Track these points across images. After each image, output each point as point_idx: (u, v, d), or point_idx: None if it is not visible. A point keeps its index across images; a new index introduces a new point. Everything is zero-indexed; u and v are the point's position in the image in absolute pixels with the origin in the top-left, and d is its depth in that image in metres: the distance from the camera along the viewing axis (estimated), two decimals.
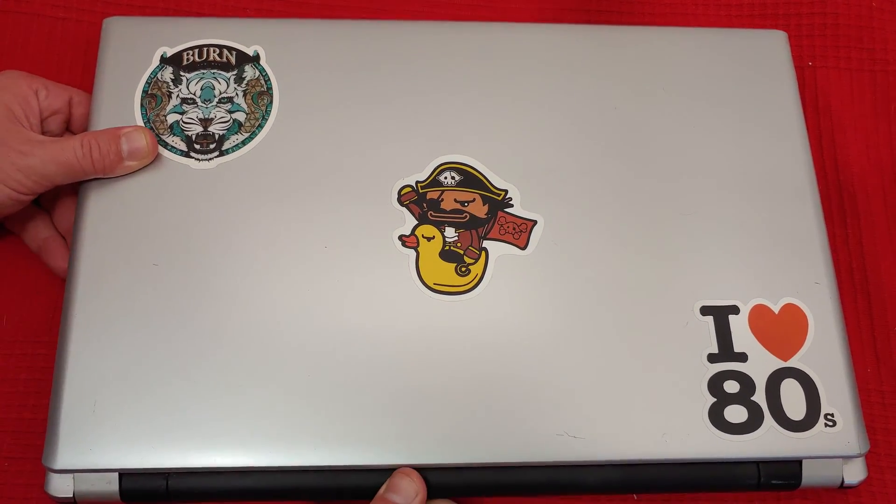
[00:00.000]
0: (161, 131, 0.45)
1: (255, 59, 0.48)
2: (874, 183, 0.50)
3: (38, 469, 0.42)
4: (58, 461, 0.39)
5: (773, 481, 0.42)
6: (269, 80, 0.47)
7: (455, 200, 0.45)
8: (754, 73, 0.50)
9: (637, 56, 0.49)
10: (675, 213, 0.46)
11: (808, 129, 0.48)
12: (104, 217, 0.44)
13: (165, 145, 0.45)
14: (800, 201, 0.47)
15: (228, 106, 0.46)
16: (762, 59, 0.50)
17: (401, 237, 0.44)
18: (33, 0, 0.52)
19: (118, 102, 0.46)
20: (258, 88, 0.47)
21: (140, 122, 0.46)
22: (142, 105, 0.46)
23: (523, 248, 0.44)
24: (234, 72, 0.47)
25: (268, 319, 0.42)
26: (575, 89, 0.48)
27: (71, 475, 0.40)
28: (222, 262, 0.43)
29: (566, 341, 0.43)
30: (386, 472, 0.41)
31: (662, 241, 0.45)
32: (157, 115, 0.46)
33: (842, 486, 0.43)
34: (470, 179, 0.46)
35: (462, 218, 0.45)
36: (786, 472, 0.42)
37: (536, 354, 0.42)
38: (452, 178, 0.46)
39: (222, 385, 0.41)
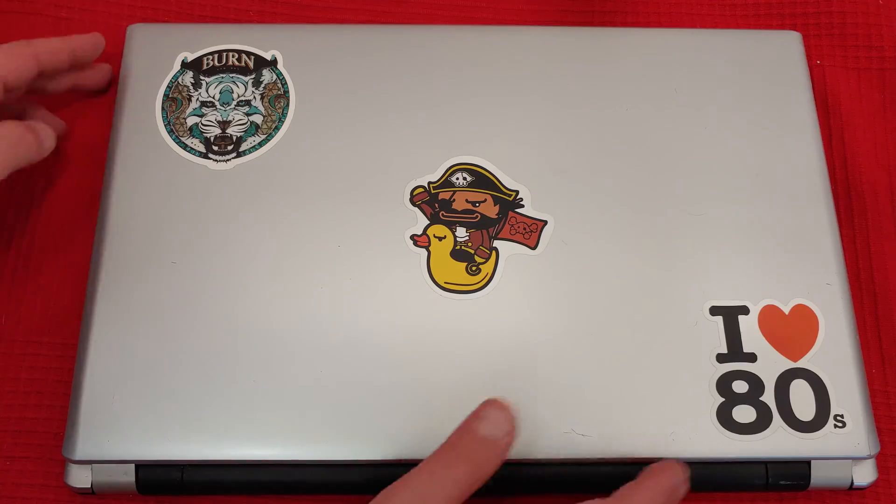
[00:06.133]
0: (181, 133, 0.47)
1: (273, 64, 0.49)
2: (882, 182, 0.50)
3: (39, 469, 0.43)
4: (77, 452, 0.41)
5: (782, 482, 0.42)
6: (285, 83, 0.48)
7: (466, 201, 0.46)
8: (767, 74, 0.50)
9: (649, 58, 0.50)
10: (685, 213, 0.46)
11: None
12: (125, 215, 0.45)
13: (185, 147, 0.46)
14: (812, 202, 0.47)
15: (246, 109, 0.48)
16: (776, 61, 0.50)
17: (412, 236, 0.45)
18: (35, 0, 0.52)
19: (140, 106, 0.47)
20: (275, 92, 0.48)
21: (161, 125, 0.47)
22: (163, 108, 0.47)
23: (533, 247, 0.45)
24: (253, 76, 0.48)
25: (282, 316, 0.43)
26: (586, 91, 0.49)
27: (89, 466, 0.41)
28: (238, 260, 0.44)
29: (574, 339, 0.43)
30: (397, 467, 0.42)
31: (673, 241, 0.46)
32: (178, 118, 0.47)
33: (851, 488, 0.43)
34: (481, 180, 0.46)
35: (473, 218, 0.46)
36: (794, 472, 0.42)
37: (545, 352, 0.43)
38: (464, 178, 0.46)
39: (237, 379, 0.42)
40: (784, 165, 0.48)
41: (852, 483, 0.42)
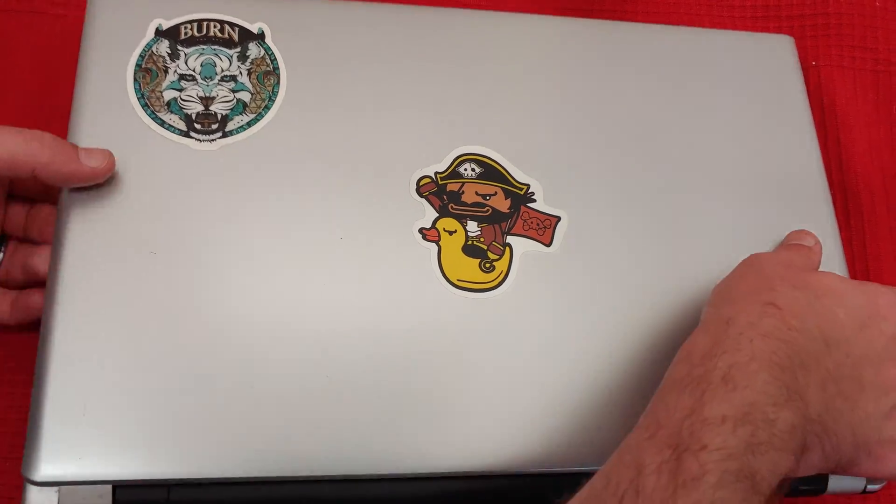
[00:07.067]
0: (157, 108, 0.41)
1: (260, 38, 0.44)
2: (877, 183, 0.51)
3: None
4: (40, 471, 0.34)
5: (801, 487, 0.42)
6: (275, 59, 0.44)
7: (476, 193, 0.43)
8: (763, 77, 0.50)
9: (654, 53, 0.48)
10: (688, 212, 0.45)
11: None
12: (93, 201, 0.39)
13: (163, 123, 0.41)
14: (814, 205, 0.47)
15: (231, 85, 0.43)
16: (770, 64, 0.50)
17: (421, 230, 0.41)
18: None
19: (108, 76, 0.42)
20: (263, 68, 0.43)
21: (134, 98, 0.41)
22: (135, 80, 0.42)
23: (548, 244, 0.42)
24: (237, 49, 0.44)
25: (278, 316, 0.39)
26: (592, 84, 0.47)
27: (55, 489, 0.35)
28: (226, 253, 0.39)
29: (597, 342, 0.41)
30: (403, 481, 0.38)
31: (677, 242, 0.44)
32: (153, 90, 0.42)
33: (864, 492, 0.43)
34: (490, 172, 0.44)
35: (484, 212, 0.43)
36: (813, 479, 0.42)
37: (568, 356, 0.40)
38: (473, 170, 0.43)
39: (229, 387, 0.37)
40: (786, 169, 0.47)
41: (865, 487, 0.42)
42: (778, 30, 0.53)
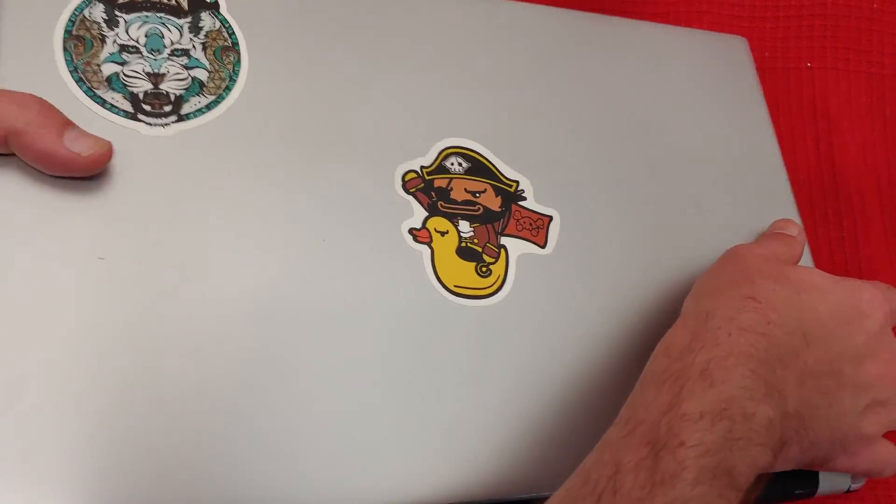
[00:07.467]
0: (95, 85, 0.34)
1: (214, 7, 0.38)
2: (870, 185, 0.51)
3: None
4: None
5: (797, 491, 0.41)
6: (233, 34, 0.38)
7: (466, 190, 0.39)
8: (721, 74, 0.49)
9: (621, 47, 0.47)
10: (671, 210, 0.43)
11: (804, 130, 0.48)
12: (20, 196, 0.32)
13: (104, 103, 0.34)
14: (782, 201, 0.46)
15: (184, 60, 0.36)
16: (728, 62, 0.50)
17: (411, 230, 0.37)
18: None
19: (29, 43, 0.34)
20: (221, 42, 0.37)
21: (65, 72, 0.34)
22: (65, 49, 0.34)
23: (542, 246, 0.39)
24: (188, 19, 0.37)
25: (253, 334, 0.33)
26: (569, 77, 0.44)
27: None
28: (188, 261, 0.33)
29: (604, 350, 0.38)
30: None
31: (670, 243, 0.42)
32: (88, 62, 0.35)
33: (848, 491, 0.43)
34: (478, 167, 0.40)
35: (476, 210, 0.39)
36: (805, 482, 0.41)
37: (576, 365, 0.37)
38: (459, 164, 0.39)
39: (199, 422, 0.31)
40: (751, 166, 0.47)
41: (850, 487, 0.42)
42: (774, 30, 0.52)
